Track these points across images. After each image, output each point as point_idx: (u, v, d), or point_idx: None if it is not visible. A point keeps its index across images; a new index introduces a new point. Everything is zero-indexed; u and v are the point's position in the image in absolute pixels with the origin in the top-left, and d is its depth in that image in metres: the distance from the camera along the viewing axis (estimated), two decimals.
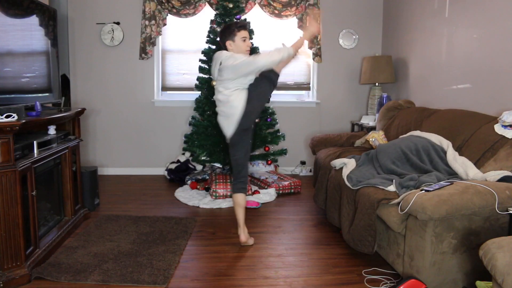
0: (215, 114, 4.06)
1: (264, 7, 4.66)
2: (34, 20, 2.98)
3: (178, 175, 4.49)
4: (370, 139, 3.65)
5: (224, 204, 3.71)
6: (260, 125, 4.08)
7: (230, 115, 2.62)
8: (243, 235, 2.79)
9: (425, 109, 3.52)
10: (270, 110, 4.18)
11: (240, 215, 2.77)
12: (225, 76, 2.59)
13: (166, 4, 4.55)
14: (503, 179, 2.25)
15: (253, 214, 3.48)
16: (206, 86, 4.11)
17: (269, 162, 4.24)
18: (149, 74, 4.78)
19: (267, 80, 2.63)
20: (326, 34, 4.87)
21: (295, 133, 4.96)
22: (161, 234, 2.96)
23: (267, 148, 4.17)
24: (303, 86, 5.03)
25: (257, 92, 2.61)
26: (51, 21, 3.21)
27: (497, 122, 2.63)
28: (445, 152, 2.76)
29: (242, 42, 2.65)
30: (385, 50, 4.91)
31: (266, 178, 4.30)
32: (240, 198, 2.76)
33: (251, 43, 4.14)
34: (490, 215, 2.05)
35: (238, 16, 4.07)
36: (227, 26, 2.68)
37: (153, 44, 4.66)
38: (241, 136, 2.67)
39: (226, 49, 2.69)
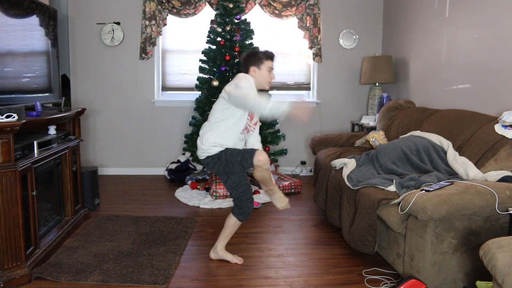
0: None
1: (264, 7, 4.66)
2: (34, 20, 2.98)
3: (179, 175, 4.49)
4: (370, 139, 3.65)
5: (224, 204, 3.71)
6: (261, 125, 4.07)
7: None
8: (212, 251, 2.61)
9: (425, 109, 3.51)
10: None
11: (223, 231, 2.58)
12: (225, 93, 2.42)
13: (166, 4, 4.55)
14: (504, 179, 2.25)
15: (254, 214, 3.48)
16: (206, 86, 4.11)
17: (269, 162, 4.23)
18: (149, 74, 4.78)
19: (239, 156, 2.42)
20: (326, 34, 4.88)
21: (295, 133, 4.95)
22: (161, 234, 2.96)
23: (267, 148, 4.16)
24: (303, 86, 5.02)
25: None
26: (51, 21, 3.21)
27: (497, 122, 2.63)
28: (445, 152, 2.76)
29: (267, 72, 2.45)
30: (385, 50, 4.91)
31: None
32: (227, 218, 2.56)
33: (252, 43, 4.15)
34: (490, 215, 2.05)
35: (238, 16, 4.07)
36: (253, 53, 2.48)
37: (153, 44, 4.66)
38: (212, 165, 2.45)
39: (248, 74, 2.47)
